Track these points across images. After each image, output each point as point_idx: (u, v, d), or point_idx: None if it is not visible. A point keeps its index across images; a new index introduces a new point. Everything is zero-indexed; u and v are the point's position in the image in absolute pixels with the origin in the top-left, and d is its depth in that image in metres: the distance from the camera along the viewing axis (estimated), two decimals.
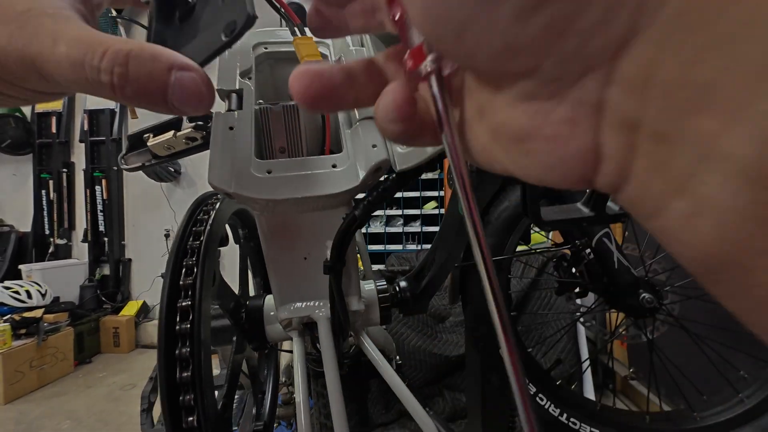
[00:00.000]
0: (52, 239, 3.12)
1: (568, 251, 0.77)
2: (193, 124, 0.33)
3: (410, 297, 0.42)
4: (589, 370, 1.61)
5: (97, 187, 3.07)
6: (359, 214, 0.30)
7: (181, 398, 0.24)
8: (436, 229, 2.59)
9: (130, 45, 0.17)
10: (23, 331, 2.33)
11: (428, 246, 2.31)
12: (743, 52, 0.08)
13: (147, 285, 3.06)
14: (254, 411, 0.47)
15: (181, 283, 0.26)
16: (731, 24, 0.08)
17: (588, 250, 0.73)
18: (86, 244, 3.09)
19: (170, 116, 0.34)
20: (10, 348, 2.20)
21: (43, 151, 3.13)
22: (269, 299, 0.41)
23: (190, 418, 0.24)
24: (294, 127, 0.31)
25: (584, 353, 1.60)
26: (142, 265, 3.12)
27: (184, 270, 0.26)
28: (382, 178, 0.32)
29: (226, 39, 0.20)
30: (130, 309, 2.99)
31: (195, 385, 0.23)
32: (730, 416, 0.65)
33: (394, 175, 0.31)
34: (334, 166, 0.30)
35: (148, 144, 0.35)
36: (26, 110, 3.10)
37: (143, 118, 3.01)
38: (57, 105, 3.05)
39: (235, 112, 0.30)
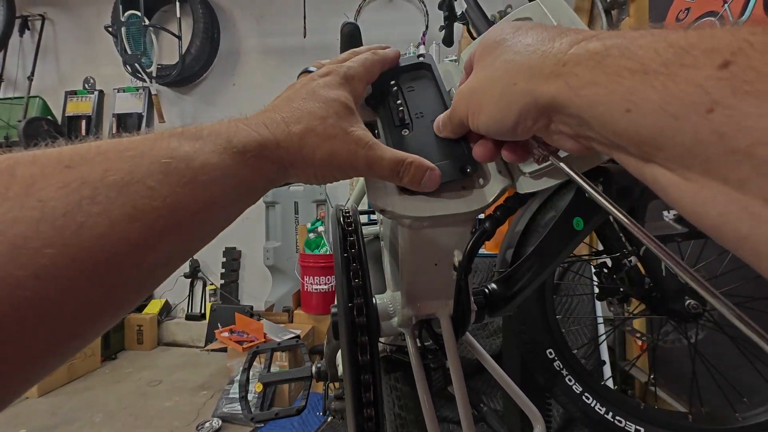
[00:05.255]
0: None
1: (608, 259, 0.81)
2: None
3: (500, 300, 0.47)
4: (610, 375, 1.64)
5: None
6: (489, 227, 0.35)
7: (361, 377, 0.29)
8: None
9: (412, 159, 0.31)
10: None
11: None
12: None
13: (170, 284, 3.14)
14: None
15: (353, 284, 0.32)
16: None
17: (632, 258, 0.77)
18: None
19: None
20: None
21: None
22: (380, 298, 0.46)
23: (367, 394, 0.29)
24: None
25: (605, 356, 1.64)
26: None
27: (351, 273, 0.32)
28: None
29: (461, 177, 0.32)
30: (153, 307, 3.06)
31: (374, 371, 0.29)
32: None
33: (515, 195, 0.36)
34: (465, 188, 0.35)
35: None
36: (57, 113, 3.20)
37: (170, 122, 3.04)
38: (87, 108, 3.16)
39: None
